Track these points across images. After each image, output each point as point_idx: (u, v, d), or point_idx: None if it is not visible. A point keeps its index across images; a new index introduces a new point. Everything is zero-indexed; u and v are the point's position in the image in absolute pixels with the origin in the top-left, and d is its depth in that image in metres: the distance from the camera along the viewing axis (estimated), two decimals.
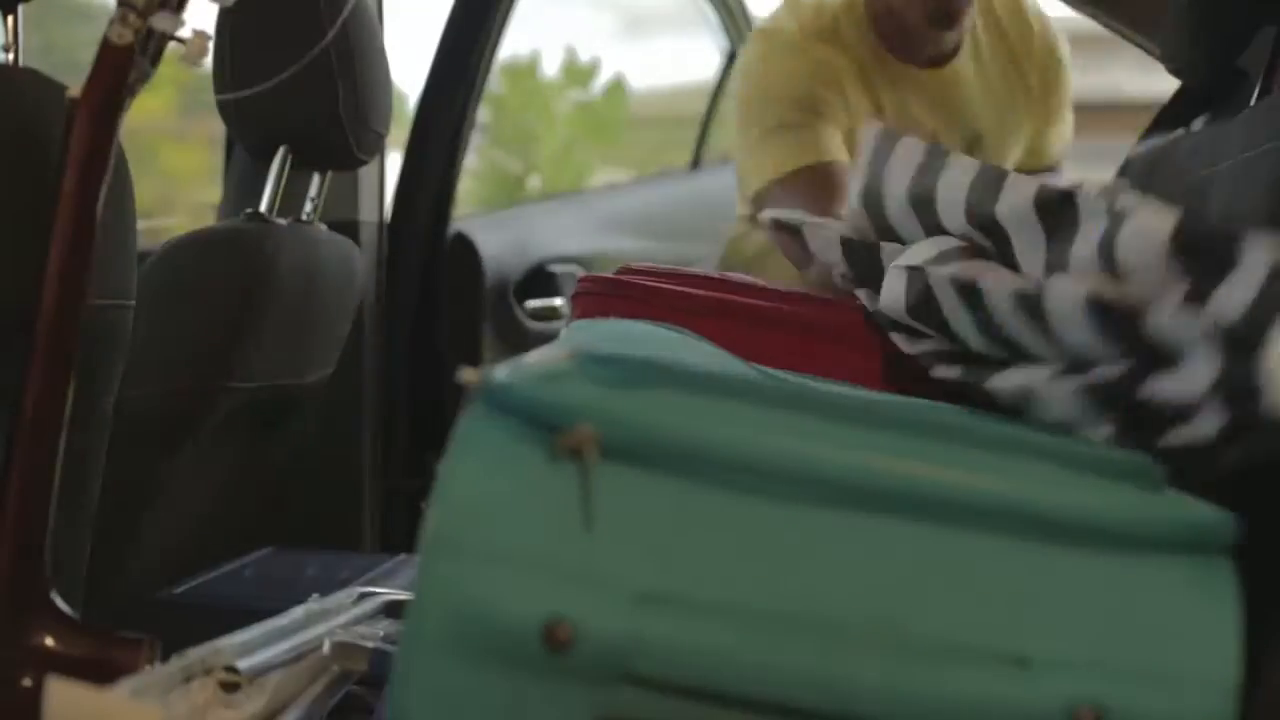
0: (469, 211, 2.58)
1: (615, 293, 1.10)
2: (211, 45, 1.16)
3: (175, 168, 2.80)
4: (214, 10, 1.62)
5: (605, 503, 0.66)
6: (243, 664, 0.91)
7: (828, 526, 0.67)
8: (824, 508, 0.67)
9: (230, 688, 0.88)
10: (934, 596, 0.66)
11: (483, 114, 2.41)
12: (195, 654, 0.89)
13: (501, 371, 0.68)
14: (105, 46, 1.00)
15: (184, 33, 1.01)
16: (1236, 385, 0.69)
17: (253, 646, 0.95)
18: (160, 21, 0.99)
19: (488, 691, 0.65)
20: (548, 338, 2.11)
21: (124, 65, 1.00)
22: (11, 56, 1.22)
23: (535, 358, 0.74)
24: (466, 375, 0.68)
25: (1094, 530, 0.67)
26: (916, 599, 0.66)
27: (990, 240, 0.92)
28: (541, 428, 0.66)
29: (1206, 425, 0.71)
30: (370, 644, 0.99)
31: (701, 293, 1.11)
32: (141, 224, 1.27)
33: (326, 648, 0.98)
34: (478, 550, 0.65)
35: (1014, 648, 0.65)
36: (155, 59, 1.02)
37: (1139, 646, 0.66)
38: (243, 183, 1.88)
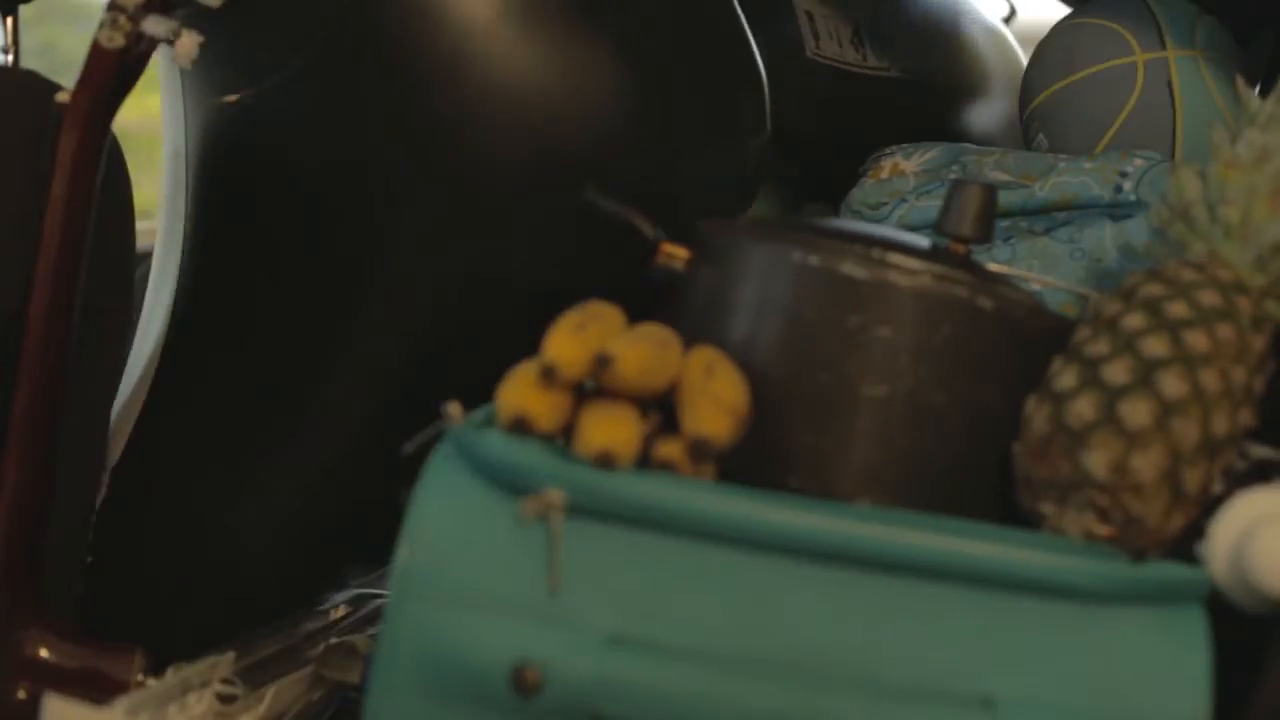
0: None
1: None
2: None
3: None
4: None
5: (573, 551, 0.66)
6: (239, 675, 0.91)
7: (795, 576, 0.67)
8: (793, 560, 0.67)
9: (227, 699, 0.88)
10: (898, 641, 0.67)
11: None
12: (192, 668, 0.88)
13: (478, 418, 0.69)
14: (94, 50, 0.99)
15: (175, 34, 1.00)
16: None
17: (249, 656, 0.95)
18: (151, 25, 0.98)
19: None
20: None
21: (113, 69, 0.99)
22: (10, 58, 1.21)
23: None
24: (451, 410, 0.68)
25: (1060, 586, 0.67)
26: (881, 643, 0.66)
27: None
28: (509, 486, 0.67)
29: None
30: (365, 651, 0.98)
31: None
32: (141, 224, 1.26)
33: (322, 657, 0.98)
34: (447, 593, 0.65)
35: (978, 689, 0.66)
36: (144, 62, 1.01)
37: (1104, 686, 0.66)
38: None
